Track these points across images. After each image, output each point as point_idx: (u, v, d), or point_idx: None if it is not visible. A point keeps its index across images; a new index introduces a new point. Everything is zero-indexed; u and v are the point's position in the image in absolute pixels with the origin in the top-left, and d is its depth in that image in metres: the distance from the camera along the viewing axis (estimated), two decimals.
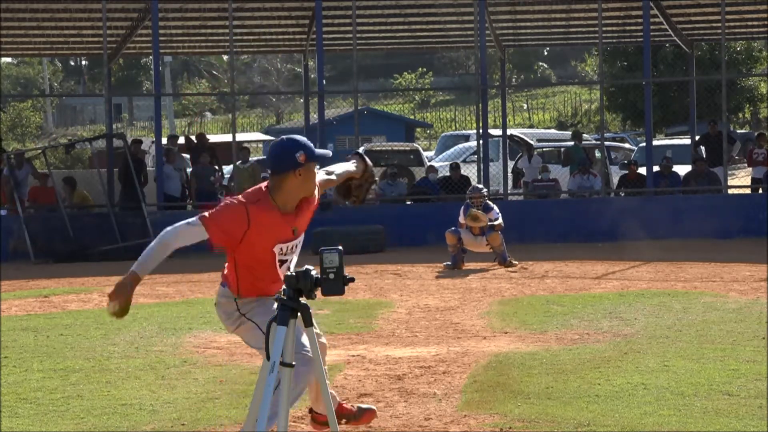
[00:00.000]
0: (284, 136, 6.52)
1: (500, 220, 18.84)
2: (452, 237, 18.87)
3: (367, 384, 9.22)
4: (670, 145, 36.68)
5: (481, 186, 20.13)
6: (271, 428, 6.02)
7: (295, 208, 6.50)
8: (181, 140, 29.94)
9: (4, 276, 19.17)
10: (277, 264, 6.51)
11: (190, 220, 6.37)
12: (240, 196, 6.48)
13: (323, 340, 6.83)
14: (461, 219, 19.04)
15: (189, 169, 27.43)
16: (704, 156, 27.07)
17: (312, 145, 6.51)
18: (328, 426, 6.20)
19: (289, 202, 6.47)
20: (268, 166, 6.47)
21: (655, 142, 31.43)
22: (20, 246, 23.21)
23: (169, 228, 6.34)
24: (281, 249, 6.51)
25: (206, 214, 6.36)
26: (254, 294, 6.58)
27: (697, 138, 29.95)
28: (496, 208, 19.09)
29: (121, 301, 6.16)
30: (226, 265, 6.63)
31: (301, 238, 6.62)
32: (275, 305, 5.96)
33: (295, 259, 6.61)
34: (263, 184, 6.52)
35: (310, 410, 7.14)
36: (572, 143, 31.04)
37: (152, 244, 6.33)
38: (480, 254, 19.15)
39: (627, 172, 27.03)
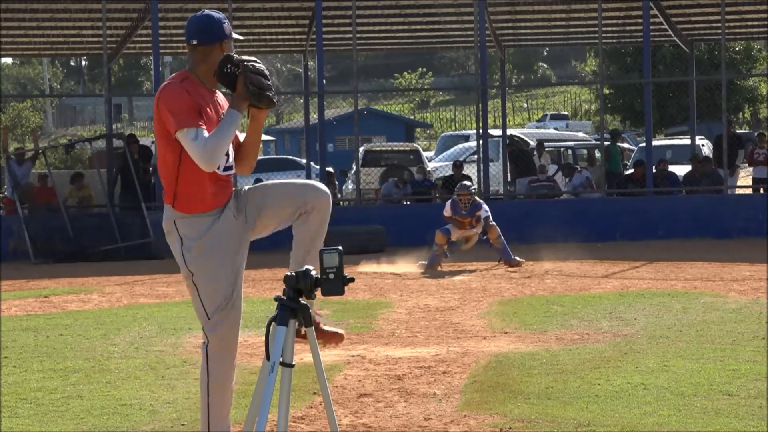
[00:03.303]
0: (204, 11, 6.27)
1: (489, 215, 19.05)
2: (442, 237, 18.95)
3: (367, 384, 9.21)
4: (670, 145, 36.68)
5: (469, 184, 20.21)
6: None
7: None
8: None
9: (4, 276, 19.17)
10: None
11: (188, 140, 6.02)
12: (166, 81, 6.23)
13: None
14: (446, 212, 19.30)
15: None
16: (711, 156, 27.00)
17: None
18: None
19: (210, 78, 6.23)
20: (194, 38, 6.17)
21: (654, 143, 31.38)
22: (20, 246, 23.22)
23: (199, 151, 5.99)
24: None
25: (178, 121, 6.02)
26: (189, 209, 6.14)
27: (701, 139, 29.89)
28: (485, 205, 19.36)
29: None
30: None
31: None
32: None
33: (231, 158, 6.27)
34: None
35: None
36: (609, 142, 30.82)
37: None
38: (481, 254, 19.14)
39: (632, 171, 27.05)
